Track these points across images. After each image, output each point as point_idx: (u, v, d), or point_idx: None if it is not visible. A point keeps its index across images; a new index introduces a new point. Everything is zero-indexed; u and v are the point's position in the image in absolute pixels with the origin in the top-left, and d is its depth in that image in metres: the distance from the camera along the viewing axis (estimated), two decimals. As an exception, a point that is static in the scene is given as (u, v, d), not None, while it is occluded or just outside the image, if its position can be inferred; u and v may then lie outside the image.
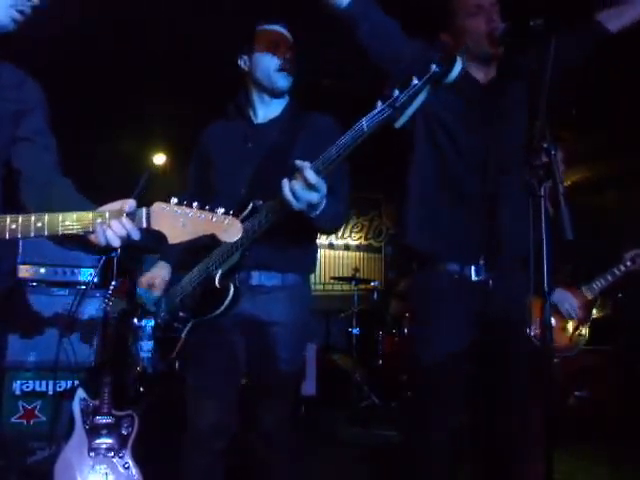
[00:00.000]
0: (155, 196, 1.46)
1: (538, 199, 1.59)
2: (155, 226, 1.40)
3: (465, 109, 2.02)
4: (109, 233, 1.45)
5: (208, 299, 1.89)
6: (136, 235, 1.45)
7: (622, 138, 5.21)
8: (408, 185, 2.07)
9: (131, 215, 1.43)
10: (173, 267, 2.10)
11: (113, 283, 2.92)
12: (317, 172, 1.63)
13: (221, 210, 1.40)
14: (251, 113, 2.08)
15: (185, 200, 1.40)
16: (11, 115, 1.69)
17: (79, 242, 1.54)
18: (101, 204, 1.52)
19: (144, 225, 1.41)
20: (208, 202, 1.99)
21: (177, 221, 1.38)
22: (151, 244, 2.02)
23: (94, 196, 1.64)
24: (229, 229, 1.39)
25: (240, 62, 2.07)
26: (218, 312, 1.86)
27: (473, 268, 1.95)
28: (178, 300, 2.02)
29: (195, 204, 1.39)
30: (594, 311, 3.03)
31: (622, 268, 2.90)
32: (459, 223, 1.96)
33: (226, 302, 1.84)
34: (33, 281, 3.57)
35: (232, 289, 1.85)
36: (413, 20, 1.94)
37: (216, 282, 1.86)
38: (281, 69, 2.00)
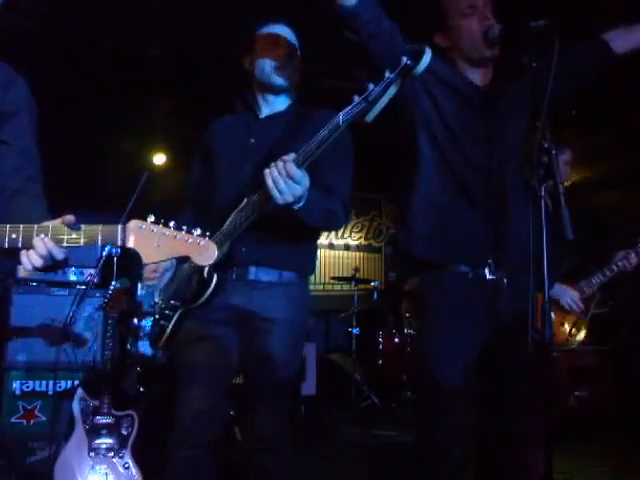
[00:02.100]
0: (155, 195, 1.46)
1: (538, 199, 1.59)
2: (130, 244, 1.39)
3: (466, 113, 2.01)
4: (30, 252, 1.42)
5: (195, 288, 1.91)
6: (59, 254, 1.42)
7: (622, 138, 5.22)
8: (411, 192, 2.06)
9: (74, 228, 1.41)
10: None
11: (113, 283, 2.92)
12: (298, 165, 1.67)
13: (197, 231, 1.40)
14: (256, 109, 2.10)
15: (164, 219, 1.40)
16: None
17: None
18: (100, 203, 1.52)
19: (119, 242, 1.39)
20: (210, 196, 2.03)
21: (152, 241, 1.37)
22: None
23: (94, 195, 1.64)
24: (204, 252, 1.39)
25: (244, 62, 2.10)
26: (200, 302, 1.88)
27: (486, 268, 1.94)
28: (174, 288, 2.03)
29: (172, 223, 1.39)
30: (592, 308, 3.07)
31: (615, 267, 2.97)
32: (467, 227, 1.95)
33: (207, 293, 1.86)
34: (33, 281, 3.57)
35: (215, 280, 1.86)
36: (408, 20, 1.94)
37: (205, 272, 1.88)
38: (277, 71, 2.01)
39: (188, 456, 1.88)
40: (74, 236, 1.41)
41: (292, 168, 1.65)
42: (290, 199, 1.68)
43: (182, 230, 1.39)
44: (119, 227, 1.39)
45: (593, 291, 2.98)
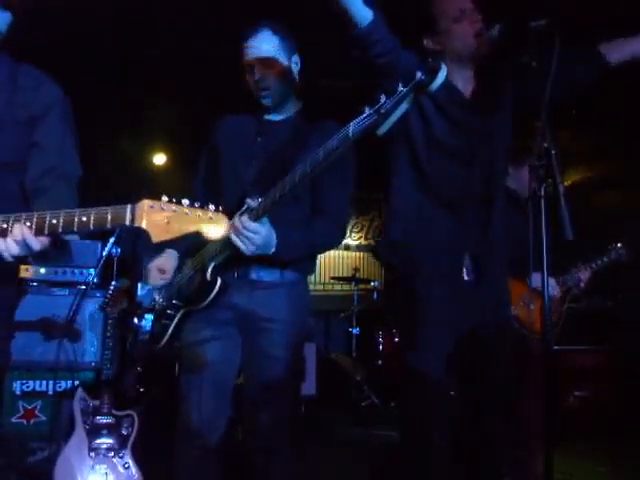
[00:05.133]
0: (155, 196, 1.44)
1: (538, 199, 1.59)
2: (138, 223, 1.36)
3: (448, 122, 2.01)
4: (7, 238, 1.41)
5: (198, 290, 1.91)
6: (35, 245, 1.41)
7: (622, 138, 5.21)
8: (390, 195, 2.08)
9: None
10: (180, 255, 2.09)
11: (113, 283, 2.92)
12: (255, 218, 1.70)
13: (212, 206, 1.39)
14: (263, 112, 2.09)
15: (176, 197, 1.38)
16: (26, 120, 1.64)
17: None
18: (100, 203, 1.51)
19: (127, 223, 1.37)
20: (215, 194, 2.03)
21: (162, 219, 1.35)
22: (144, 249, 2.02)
23: (94, 195, 1.64)
24: (215, 225, 1.37)
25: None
26: (203, 304, 1.89)
27: (464, 269, 1.97)
28: (176, 287, 2.03)
29: (185, 201, 1.37)
30: (567, 301, 3.11)
31: (593, 266, 3.06)
32: (445, 228, 1.98)
33: (211, 296, 1.87)
34: (33, 281, 3.57)
35: (218, 283, 1.87)
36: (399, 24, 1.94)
37: (207, 275, 1.88)
38: (259, 92, 1.99)
39: (194, 456, 1.89)
40: (84, 219, 1.39)
41: (246, 224, 1.70)
42: (252, 248, 1.74)
43: (194, 206, 1.37)
44: (128, 207, 1.37)
45: (567, 287, 3.04)
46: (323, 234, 1.98)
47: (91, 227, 1.40)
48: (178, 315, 1.98)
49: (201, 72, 4.57)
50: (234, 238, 1.73)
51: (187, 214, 1.36)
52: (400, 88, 1.59)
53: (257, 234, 1.73)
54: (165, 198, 1.37)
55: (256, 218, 1.72)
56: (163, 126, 5.55)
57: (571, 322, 3.20)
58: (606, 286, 3.30)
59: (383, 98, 1.59)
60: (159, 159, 6.02)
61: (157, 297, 2.11)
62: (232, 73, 2.14)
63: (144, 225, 1.36)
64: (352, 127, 1.60)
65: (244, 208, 1.82)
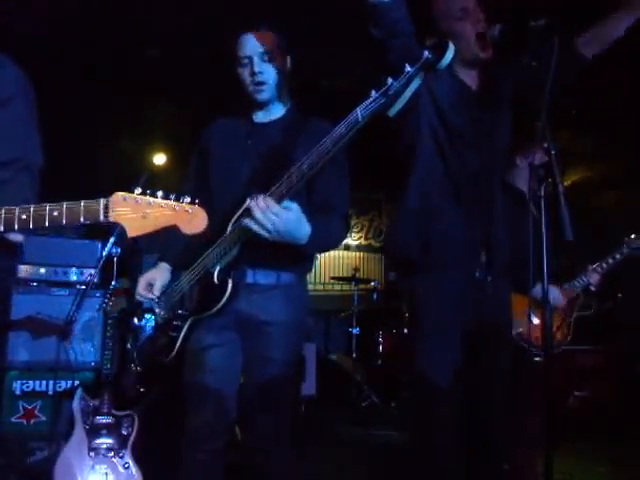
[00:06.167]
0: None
1: (538, 199, 1.60)
2: (113, 218, 1.31)
3: (461, 116, 2.02)
4: None
5: (207, 296, 1.89)
6: None
7: (622, 138, 5.21)
8: (407, 189, 2.07)
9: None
10: (173, 267, 2.10)
11: (113, 283, 2.92)
12: (280, 198, 1.66)
13: (187, 199, 1.35)
14: (253, 114, 2.09)
15: (155, 190, 1.33)
16: None
17: None
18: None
19: (101, 217, 1.32)
20: (205, 198, 2.02)
21: (137, 212, 1.30)
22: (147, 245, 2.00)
23: (94, 195, 1.63)
24: (193, 219, 1.33)
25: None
26: (218, 307, 1.86)
27: (477, 271, 1.96)
28: (177, 298, 2.02)
29: (160, 193, 1.33)
30: (576, 309, 2.97)
31: (604, 265, 2.92)
32: (460, 230, 1.96)
33: (225, 297, 1.84)
34: (33, 281, 3.57)
35: (230, 284, 1.85)
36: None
37: (214, 278, 1.86)
38: (254, 85, 1.98)
39: (202, 460, 1.90)
40: (55, 214, 1.33)
41: (271, 203, 1.65)
42: (279, 227, 1.67)
43: (170, 199, 1.33)
44: (101, 201, 1.32)
45: (576, 293, 2.92)
46: (338, 230, 1.96)
47: (63, 222, 1.33)
48: (186, 325, 1.96)
49: (201, 72, 4.57)
50: (253, 222, 1.67)
51: (162, 207, 1.32)
52: (407, 68, 1.58)
53: (284, 216, 1.66)
54: (138, 190, 1.32)
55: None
56: (163, 126, 5.56)
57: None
58: (606, 287, 3.26)
59: (390, 80, 1.57)
60: (159, 159, 6.03)
61: (157, 310, 2.10)
62: (232, 73, 2.13)
63: (119, 219, 1.31)
64: (360, 111, 1.58)
65: (245, 206, 1.80)
